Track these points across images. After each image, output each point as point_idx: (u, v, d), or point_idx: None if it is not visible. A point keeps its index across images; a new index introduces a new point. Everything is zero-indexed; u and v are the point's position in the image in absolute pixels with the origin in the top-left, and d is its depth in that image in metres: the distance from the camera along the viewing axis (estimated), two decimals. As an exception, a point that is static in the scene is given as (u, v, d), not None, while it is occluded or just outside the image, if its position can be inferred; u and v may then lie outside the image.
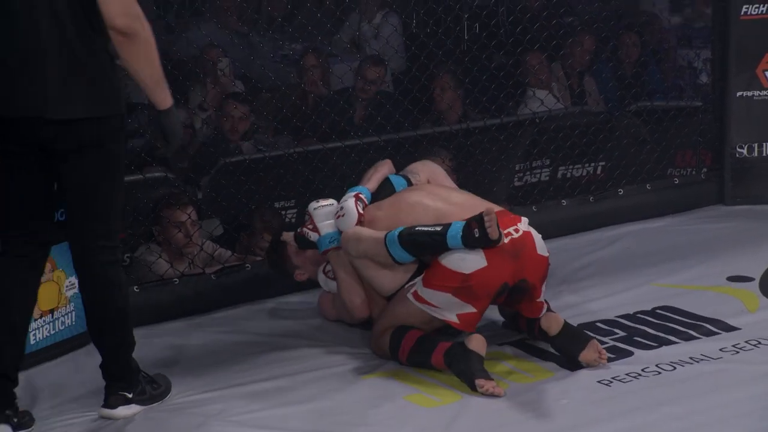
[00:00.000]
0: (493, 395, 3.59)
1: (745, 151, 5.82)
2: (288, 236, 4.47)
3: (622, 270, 4.85)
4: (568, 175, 5.82)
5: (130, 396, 3.53)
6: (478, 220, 3.75)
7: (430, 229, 3.84)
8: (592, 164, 5.87)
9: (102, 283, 3.44)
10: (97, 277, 3.43)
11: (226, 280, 4.69)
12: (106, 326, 3.47)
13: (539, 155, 5.74)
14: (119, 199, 3.43)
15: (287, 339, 4.25)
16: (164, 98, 3.34)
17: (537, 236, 3.92)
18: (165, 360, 3.83)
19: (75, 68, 3.24)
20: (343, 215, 4.10)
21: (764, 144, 5.81)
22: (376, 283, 4.05)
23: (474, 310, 3.81)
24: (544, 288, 3.93)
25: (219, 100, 5.58)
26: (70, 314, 4.15)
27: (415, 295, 3.88)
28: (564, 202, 5.54)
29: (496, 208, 3.93)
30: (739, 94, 5.76)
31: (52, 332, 4.05)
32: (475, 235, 3.75)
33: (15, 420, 3.47)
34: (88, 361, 4.04)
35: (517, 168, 5.71)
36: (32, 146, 3.32)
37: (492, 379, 3.62)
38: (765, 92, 5.75)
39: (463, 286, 3.77)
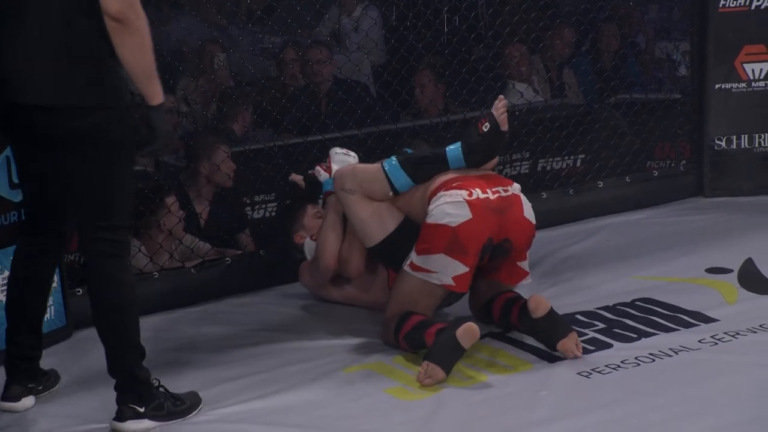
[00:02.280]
0: (418, 379, 3.62)
1: (723, 144, 5.84)
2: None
3: (602, 262, 4.87)
4: (548, 167, 5.83)
5: (142, 410, 3.41)
6: (487, 115, 3.89)
7: (428, 151, 3.98)
8: (572, 157, 5.88)
9: (98, 276, 3.38)
10: (94, 269, 3.38)
11: (205, 273, 4.68)
12: (102, 322, 3.40)
13: (519, 148, 5.74)
14: (122, 191, 3.36)
15: (268, 333, 4.25)
16: (155, 93, 3.28)
17: (526, 202, 3.99)
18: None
19: (66, 56, 3.22)
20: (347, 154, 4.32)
21: (742, 136, 5.83)
22: (364, 227, 4.08)
23: (466, 268, 3.85)
24: (527, 257, 3.97)
25: (209, 96, 5.57)
26: (49, 308, 4.12)
27: (412, 265, 3.92)
28: (544, 195, 5.55)
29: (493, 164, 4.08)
30: (717, 86, 5.78)
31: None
32: (484, 129, 3.87)
33: (40, 387, 3.63)
34: (68, 356, 4.05)
35: (497, 160, 5.70)
36: (32, 133, 3.31)
37: (443, 372, 3.60)
38: (743, 85, 5.77)
39: (452, 241, 3.81)
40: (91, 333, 4.02)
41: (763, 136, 5.83)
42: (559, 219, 5.47)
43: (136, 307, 3.43)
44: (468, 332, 3.62)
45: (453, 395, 3.58)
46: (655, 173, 5.87)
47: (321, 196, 4.44)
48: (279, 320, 4.40)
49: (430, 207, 3.91)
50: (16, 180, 3.81)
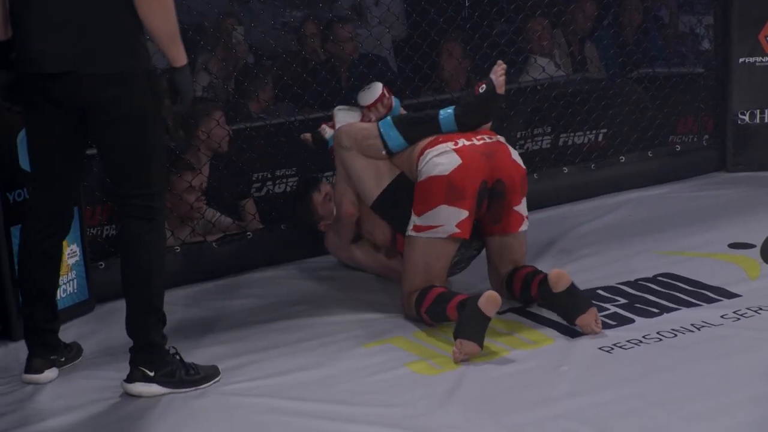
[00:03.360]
0: (454, 359, 3.62)
1: (747, 118, 5.80)
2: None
3: (624, 237, 4.85)
4: (570, 142, 5.81)
5: (152, 374, 3.46)
6: (486, 79, 4.03)
7: (422, 113, 4.14)
8: (594, 131, 5.85)
9: (128, 238, 3.43)
10: (125, 230, 3.44)
11: (227, 248, 4.69)
12: (128, 283, 3.45)
13: (541, 123, 5.72)
14: (156, 156, 3.40)
15: (288, 307, 4.26)
16: (179, 55, 3.34)
17: (512, 149, 4.10)
18: (166, 328, 3.81)
19: (89, 24, 3.24)
20: (368, 88, 4.35)
21: (766, 110, 5.80)
22: (362, 182, 4.20)
23: (466, 212, 3.92)
24: (524, 202, 4.05)
25: (229, 70, 5.55)
26: (71, 282, 4.16)
27: (416, 228, 3.97)
28: (565, 170, 5.54)
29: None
30: (741, 60, 5.74)
31: (55, 300, 4.05)
32: (480, 90, 4.01)
33: (62, 359, 3.68)
34: (91, 329, 4.07)
35: (518, 135, 5.70)
36: (53, 102, 3.33)
37: (476, 345, 3.61)
38: (767, 59, 5.72)
39: (449, 189, 3.91)
40: (114, 306, 4.08)
41: (786, 110, 5.79)
42: (580, 194, 5.46)
43: (162, 272, 3.47)
44: (490, 300, 3.63)
45: (474, 370, 3.58)
46: (678, 148, 5.85)
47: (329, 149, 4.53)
48: (300, 294, 4.41)
49: (420, 166, 4.00)
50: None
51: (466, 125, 4.09)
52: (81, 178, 3.57)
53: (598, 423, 3.17)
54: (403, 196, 4.07)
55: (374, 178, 4.19)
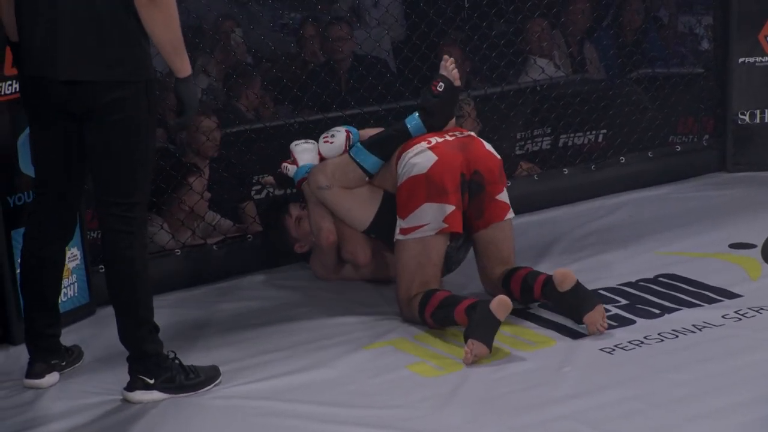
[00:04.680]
0: (465, 361, 3.62)
1: (746, 118, 5.80)
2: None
3: (625, 238, 4.85)
4: (570, 143, 5.80)
5: (152, 382, 3.46)
6: (440, 76, 4.10)
7: (389, 129, 4.19)
8: (594, 132, 5.85)
9: (111, 250, 3.41)
10: (108, 244, 3.42)
11: (227, 251, 4.69)
12: (114, 298, 3.45)
13: (541, 123, 5.72)
14: (143, 167, 3.37)
15: (289, 310, 4.26)
16: (183, 66, 3.32)
17: (486, 142, 4.15)
18: (166, 331, 3.81)
19: (92, 31, 3.24)
20: (332, 142, 4.32)
21: (766, 110, 5.79)
22: (352, 215, 4.24)
23: (452, 206, 3.95)
24: (505, 192, 4.07)
25: (227, 72, 5.55)
26: (72, 285, 4.16)
27: (402, 231, 4.00)
28: (566, 171, 5.53)
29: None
30: (741, 60, 5.74)
31: (56, 304, 4.05)
32: (438, 89, 4.07)
33: (63, 363, 3.69)
34: (92, 333, 4.07)
35: (518, 136, 5.69)
36: (54, 107, 3.33)
37: (487, 348, 3.61)
38: (767, 59, 5.72)
39: (429, 187, 3.95)
40: (114, 310, 4.05)
41: (786, 110, 5.79)
42: (581, 195, 5.46)
43: (147, 284, 3.44)
44: (502, 305, 3.65)
45: (475, 372, 3.58)
46: (678, 148, 5.84)
47: (295, 189, 4.54)
48: (300, 297, 4.40)
49: (398, 170, 4.05)
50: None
51: (434, 126, 4.14)
52: (83, 184, 3.55)
53: (600, 424, 3.17)
54: (393, 214, 4.08)
55: (361, 206, 4.22)
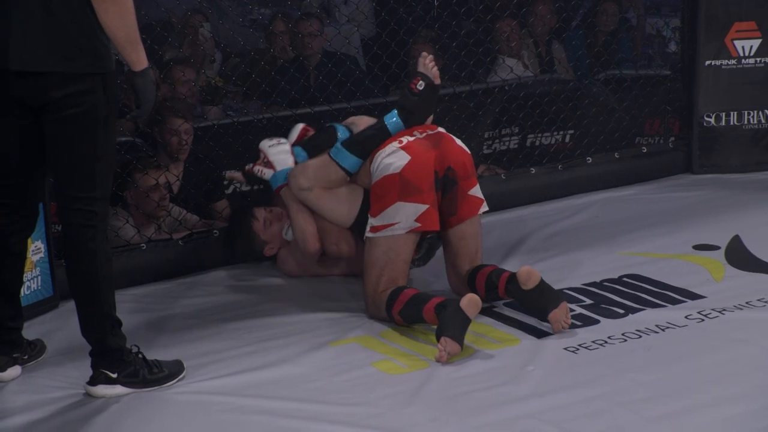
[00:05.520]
0: (439, 359, 3.62)
1: (713, 120, 5.84)
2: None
3: (590, 238, 4.87)
4: (537, 143, 5.82)
5: (114, 376, 3.44)
6: (419, 74, 4.08)
7: (369, 129, 4.16)
8: (561, 132, 5.87)
9: (73, 246, 3.38)
10: (69, 239, 3.39)
11: (193, 245, 4.67)
12: (76, 293, 3.42)
13: (508, 123, 5.74)
14: (104, 161, 3.33)
15: (254, 305, 4.25)
16: (139, 59, 3.29)
17: (455, 138, 4.15)
18: (130, 325, 3.80)
19: (48, 22, 3.20)
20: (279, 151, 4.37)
21: (732, 113, 5.83)
22: (336, 214, 4.22)
23: (426, 205, 3.95)
24: (478, 186, 4.09)
25: (195, 66, 5.52)
26: (36, 279, 4.13)
27: (373, 228, 4.00)
28: (533, 170, 5.55)
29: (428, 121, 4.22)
30: (707, 63, 5.78)
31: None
32: (419, 88, 4.06)
33: (25, 357, 3.66)
34: (55, 326, 4.04)
35: (486, 136, 5.71)
36: (9, 99, 3.28)
37: (459, 345, 3.63)
38: (733, 61, 5.77)
39: (402, 186, 3.95)
40: (78, 304, 4.02)
41: (752, 113, 5.83)
42: (547, 194, 5.48)
43: (110, 279, 3.41)
44: (472, 303, 3.66)
45: (439, 370, 3.58)
46: (644, 149, 5.87)
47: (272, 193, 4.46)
48: (266, 293, 4.39)
49: (372, 170, 4.05)
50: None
51: (413, 123, 4.13)
52: (43, 177, 3.51)
53: (563, 423, 3.18)
54: None
55: (344, 205, 4.20)
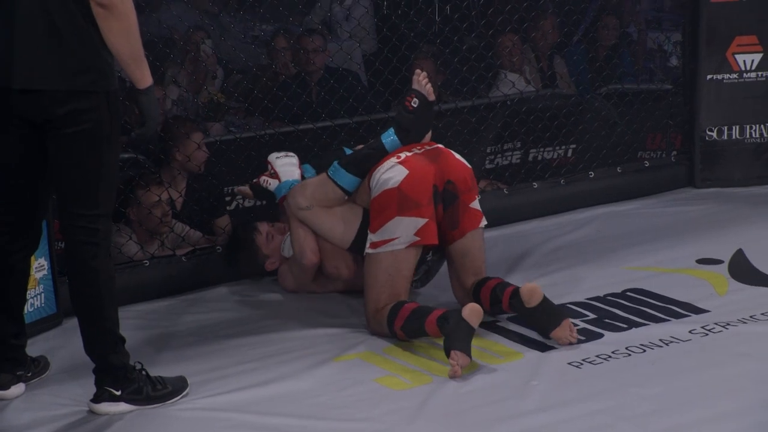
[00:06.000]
0: (453, 375, 3.60)
1: (714, 134, 5.84)
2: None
3: (593, 252, 4.87)
4: (539, 157, 5.83)
5: (118, 393, 3.43)
6: (413, 91, 4.09)
7: (365, 148, 4.17)
8: (563, 147, 5.88)
9: (75, 263, 3.38)
10: (73, 256, 3.38)
11: (196, 262, 4.67)
12: (79, 309, 3.41)
13: (510, 138, 5.74)
14: (106, 179, 3.33)
15: (257, 321, 4.24)
16: (143, 77, 3.27)
17: (454, 153, 4.15)
18: (133, 342, 3.80)
19: (52, 40, 3.20)
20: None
21: (734, 127, 5.84)
22: (335, 233, 4.23)
23: (425, 220, 3.95)
24: (478, 200, 4.09)
25: (197, 83, 5.54)
26: (39, 296, 4.13)
27: (373, 245, 3.99)
28: (535, 185, 5.55)
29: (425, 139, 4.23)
30: (709, 77, 5.78)
31: (22, 314, 4.02)
32: (413, 105, 4.07)
33: (29, 374, 3.65)
34: (58, 343, 4.04)
35: (488, 150, 5.72)
36: (13, 117, 3.29)
37: (468, 356, 3.62)
38: (735, 75, 5.77)
39: (401, 200, 3.95)
40: (82, 321, 4.02)
41: (754, 127, 5.83)
42: (550, 209, 5.47)
43: (113, 296, 3.41)
44: (474, 312, 3.66)
45: (443, 385, 3.58)
46: (646, 164, 5.88)
47: (277, 203, 4.49)
48: (269, 309, 4.39)
49: (371, 186, 4.06)
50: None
51: (410, 141, 4.13)
52: (47, 194, 3.51)
53: (567, 438, 3.18)
54: None
55: (342, 224, 4.22)
